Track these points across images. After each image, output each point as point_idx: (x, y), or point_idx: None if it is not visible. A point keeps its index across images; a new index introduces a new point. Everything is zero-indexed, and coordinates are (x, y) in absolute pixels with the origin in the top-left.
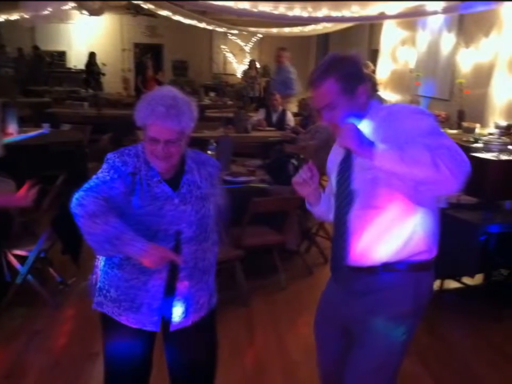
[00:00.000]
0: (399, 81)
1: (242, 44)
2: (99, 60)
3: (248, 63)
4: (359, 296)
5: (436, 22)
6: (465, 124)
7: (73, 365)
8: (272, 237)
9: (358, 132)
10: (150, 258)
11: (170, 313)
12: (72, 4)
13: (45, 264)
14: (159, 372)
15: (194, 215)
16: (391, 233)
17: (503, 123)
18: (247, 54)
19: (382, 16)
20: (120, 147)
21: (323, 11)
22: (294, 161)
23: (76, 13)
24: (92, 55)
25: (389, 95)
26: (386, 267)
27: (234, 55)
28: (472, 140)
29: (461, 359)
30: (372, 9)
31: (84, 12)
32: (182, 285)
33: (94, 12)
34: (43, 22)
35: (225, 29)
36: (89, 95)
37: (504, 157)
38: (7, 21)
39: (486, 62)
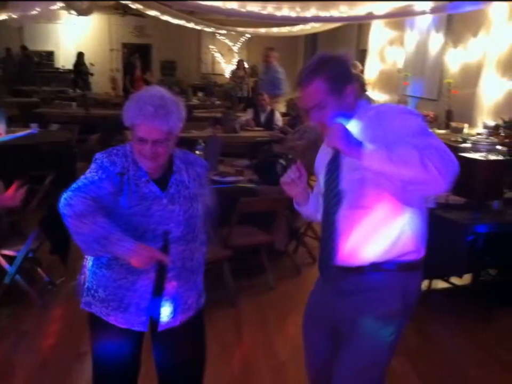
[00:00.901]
0: (387, 81)
1: (230, 43)
2: (87, 59)
3: (237, 63)
4: (347, 296)
5: (424, 22)
6: (453, 124)
7: (61, 364)
8: (260, 237)
9: (346, 132)
10: (138, 258)
11: (159, 313)
12: (60, 4)
13: (33, 264)
14: (147, 372)
15: (183, 215)
16: (379, 233)
17: (491, 123)
18: (235, 54)
19: (370, 16)
20: (108, 147)
21: (311, 11)
22: (282, 161)
23: (64, 13)
24: (80, 55)
25: (377, 95)
26: (375, 267)
27: (222, 55)
28: (460, 139)
29: (449, 359)
30: (360, 9)
31: (72, 12)
32: (170, 285)
33: (82, 12)
34: (31, 22)
35: (214, 29)
36: (78, 95)
37: (492, 157)
38: None
39: (474, 62)
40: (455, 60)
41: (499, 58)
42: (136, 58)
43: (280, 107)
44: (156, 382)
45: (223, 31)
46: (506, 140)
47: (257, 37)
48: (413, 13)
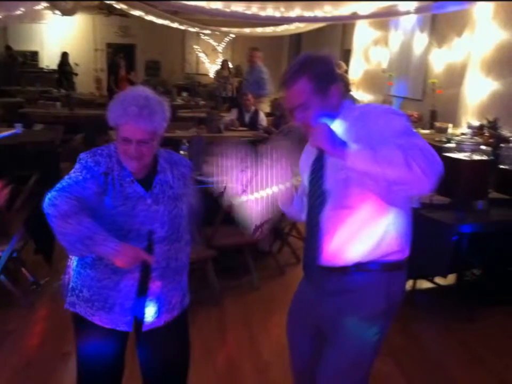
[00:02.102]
0: (372, 81)
1: (214, 44)
2: (72, 59)
3: (221, 63)
4: (331, 296)
5: (408, 22)
6: (437, 124)
7: (45, 365)
8: (245, 237)
9: (331, 132)
10: (123, 259)
11: (143, 313)
12: (44, 4)
13: (17, 264)
14: (132, 372)
15: (167, 215)
16: (364, 233)
17: (476, 123)
18: (219, 54)
19: (355, 16)
20: (93, 147)
21: (296, 11)
22: None
23: (48, 13)
24: (64, 55)
25: (361, 95)
26: (359, 267)
27: (207, 55)
28: (444, 140)
29: (433, 359)
30: (344, 9)
31: (57, 12)
32: (155, 285)
33: (66, 12)
34: (15, 22)
35: (198, 29)
36: (62, 95)
37: (476, 157)
38: None
39: (459, 62)
40: (440, 60)
41: (483, 58)
42: (120, 58)
43: (265, 107)
44: (140, 382)
45: (208, 31)
46: (491, 140)
47: (241, 37)
48: (397, 13)
